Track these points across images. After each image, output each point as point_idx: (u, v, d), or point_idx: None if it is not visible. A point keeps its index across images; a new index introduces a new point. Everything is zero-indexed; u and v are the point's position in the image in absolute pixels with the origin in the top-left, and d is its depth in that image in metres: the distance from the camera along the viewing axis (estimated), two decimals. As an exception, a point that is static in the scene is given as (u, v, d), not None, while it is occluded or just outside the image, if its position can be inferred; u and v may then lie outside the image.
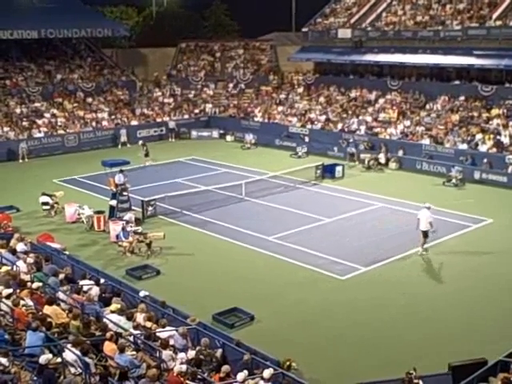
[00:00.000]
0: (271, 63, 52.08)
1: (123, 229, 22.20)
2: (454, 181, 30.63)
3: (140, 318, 14.41)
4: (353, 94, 42.64)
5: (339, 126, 39.33)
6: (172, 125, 43.42)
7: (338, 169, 32.28)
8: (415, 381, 11.48)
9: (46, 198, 25.95)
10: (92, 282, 16.45)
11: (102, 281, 16.71)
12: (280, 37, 58.14)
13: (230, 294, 18.27)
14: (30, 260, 17.63)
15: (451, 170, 31.08)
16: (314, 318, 16.95)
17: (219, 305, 17.08)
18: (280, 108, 44.20)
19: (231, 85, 49.86)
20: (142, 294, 16.13)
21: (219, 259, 21.28)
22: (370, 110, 40.11)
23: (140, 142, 36.88)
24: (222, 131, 43.84)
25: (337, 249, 21.80)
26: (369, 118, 39.01)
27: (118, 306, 14.68)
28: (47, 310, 14.02)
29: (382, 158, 34.12)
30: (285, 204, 27.27)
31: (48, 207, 25.76)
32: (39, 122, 40.26)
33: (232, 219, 25.15)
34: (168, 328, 13.85)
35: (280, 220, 25.28)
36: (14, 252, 18.36)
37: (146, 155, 35.40)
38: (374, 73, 43.77)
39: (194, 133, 44.02)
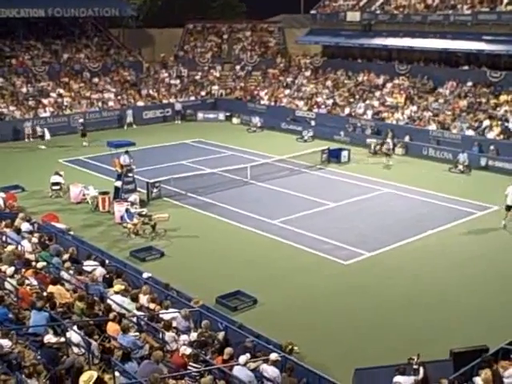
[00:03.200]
0: (279, 46, 51.82)
1: (128, 210, 22.23)
2: (460, 167, 30.54)
3: (143, 299, 14.50)
4: (360, 78, 42.42)
5: (346, 110, 39.19)
6: (178, 106, 43.36)
7: (344, 153, 32.23)
8: (415, 366, 11.51)
9: (58, 178, 25.97)
10: (96, 263, 16.54)
11: (107, 262, 16.80)
12: (288, 19, 57.76)
13: (234, 276, 18.33)
14: (35, 240, 17.74)
15: (458, 156, 30.98)
16: (318, 303, 17.00)
17: (223, 287, 17.14)
18: (287, 91, 44.04)
19: (238, 67, 49.68)
20: (145, 275, 16.20)
21: (223, 242, 21.34)
22: (378, 94, 39.91)
23: (80, 121, 36.88)
24: (228, 113, 43.76)
25: (341, 234, 21.79)
26: (376, 103, 38.85)
27: (122, 286, 14.76)
28: (51, 289, 14.11)
29: (388, 143, 33.98)
30: (290, 188, 27.26)
31: (58, 187, 25.79)
32: (45, 101, 40.21)
33: (237, 202, 25.18)
34: (171, 310, 13.92)
35: (285, 204, 25.28)
36: (18, 231, 18.49)
37: (83, 135, 35.52)
38: (382, 57, 43.50)
39: (200, 115, 43.95)
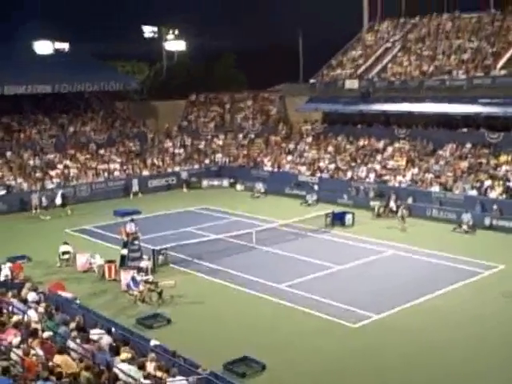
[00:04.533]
0: (280, 113, 52.57)
1: (134, 278, 22.07)
2: (464, 227, 30.41)
3: (151, 367, 14.16)
4: (361, 142, 42.84)
5: (348, 174, 39.41)
6: (185, 175, 43.73)
7: (348, 216, 32.20)
8: None
9: (66, 247, 25.98)
10: (103, 331, 16.24)
11: (113, 330, 16.51)
12: (288, 88, 58.76)
13: (241, 342, 18.01)
14: (41, 309, 17.49)
15: (462, 217, 30.91)
16: (327, 367, 16.60)
17: (230, 353, 16.78)
18: (289, 157, 44.42)
19: (241, 135, 50.31)
20: (152, 343, 15.89)
21: (230, 307, 21.07)
22: (379, 158, 40.22)
23: (60, 192, 37.02)
24: (232, 180, 44.08)
25: (348, 296, 21.51)
26: (378, 166, 39.09)
27: (129, 355, 14.43)
28: (58, 359, 13.80)
29: (392, 205, 33.99)
30: (295, 252, 27.12)
31: (67, 256, 25.73)
32: (52, 173, 40.60)
33: (243, 267, 24.99)
34: (179, 377, 13.57)
35: (291, 268, 25.09)
36: (25, 301, 18.27)
37: (64, 205, 35.78)
38: (381, 122, 44.04)
39: (204, 182, 44.28)
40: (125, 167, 43.51)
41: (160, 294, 21.56)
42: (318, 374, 16.25)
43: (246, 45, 68.17)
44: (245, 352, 16.86)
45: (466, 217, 30.74)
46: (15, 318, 16.38)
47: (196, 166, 45.91)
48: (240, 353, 16.82)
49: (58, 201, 36.20)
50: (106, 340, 15.65)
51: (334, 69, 48.40)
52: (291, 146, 46.23)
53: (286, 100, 53.57)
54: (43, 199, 36.85)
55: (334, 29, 58.08)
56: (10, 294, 18.64)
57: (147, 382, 13.38)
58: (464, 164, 36.08)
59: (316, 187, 39.01)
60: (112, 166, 43.31)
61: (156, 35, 73.94)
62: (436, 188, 34.90)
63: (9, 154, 41.88)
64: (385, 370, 16.34)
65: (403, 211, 31.54)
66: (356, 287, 22.70)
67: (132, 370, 13.72)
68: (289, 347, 17.84)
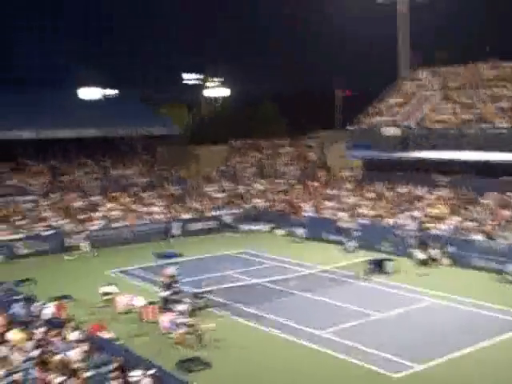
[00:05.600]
0: (319, 159, 52.68)
1: (174, 320, 22.04)
2: (509, 277, 29.62)
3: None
4: (401, 189, 42.47)
5: (389, 220, 38.94)
6: (228, 219, 43.88)
7: (389, 264, 31.67)
8: None
9: (109, 288, 26.24)
10: (143, 373, 16.14)
11: (152, 371, 16.37)
12: (327, 134, 59.12)
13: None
14: (83, 349, 17.54)
15: (506, 267, 30.15)
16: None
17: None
18: (329, 203, 44.21)
19: (280, 180, 50.42)
20: (192, 386, 15.73)
21: (269, 352, 20.81)
22: (420, 205, 39.74)
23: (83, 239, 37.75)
24: (272, 225, 44.02)
25: (389, 345, 21.02)
26: (419, 213, 38.57)
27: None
28: (99, 400, 13.77)
29: (434, 253, 33.39)
30: (335, 298, 26.74)
31: (109, 297, 25.89)
32: (95, 215, 41.19)
33: (282, 312, 24.71)
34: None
35: (330, 314, 24.75)
36: (67, 341, 18.35)
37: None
38: (421, 169, 43.65)
39: (244, 226, 44.27)
40: (165, 210, 43.89)
41: (200, 337, 21.40)
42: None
43: (286, 92, 69.05)
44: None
45: (511, 267, 29.97)
46: (57, 357, 16.48)
47: (235, 211, 46.05)
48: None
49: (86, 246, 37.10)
50: (146, 382, 15.56)
51: (372, 116, 48.42)
52: (331, 191, 46.11)
53: (324, 146, 53.74)
54: (80, 243, 37.55)
55: (371, 76, 58.54)
56: (53, 332, 18.79)
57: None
58: (507, 213, 35.38)
59: (356, 233, 38.62)
60: (153, 208, 43.74)
61: (199, 82, 75.46)
62: (479, 237, 34.21)
63: (54, 195, 42.77)
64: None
65: (442, 259, 31.01)
66: (397, 336, 22.20)
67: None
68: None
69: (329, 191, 46.26)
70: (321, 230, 40.50)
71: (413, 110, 46.18)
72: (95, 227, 39.84)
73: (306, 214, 43.64)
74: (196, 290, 25.98)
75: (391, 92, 50.23)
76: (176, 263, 26.11)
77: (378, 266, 31.41)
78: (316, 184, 48.31)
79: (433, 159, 41.74)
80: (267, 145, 55.84)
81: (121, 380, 15.51)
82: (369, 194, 43.36)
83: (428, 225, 36.96)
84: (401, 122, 45.32)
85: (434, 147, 41.36)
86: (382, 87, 50.86)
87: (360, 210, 41.32)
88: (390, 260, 32.11)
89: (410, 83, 50.15)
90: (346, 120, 52.84)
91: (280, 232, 42.84)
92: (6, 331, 18.46)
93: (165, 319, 22.76)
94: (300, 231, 40.71)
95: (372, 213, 40.48)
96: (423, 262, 33.07)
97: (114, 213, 41.99)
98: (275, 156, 54.41)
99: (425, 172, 43.09)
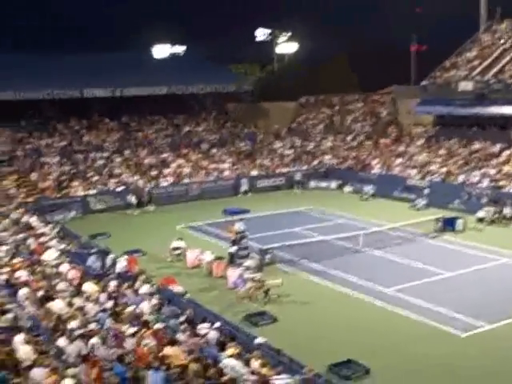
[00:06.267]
0: (390, 116, 51.61)
1: (241, 275, 22.41)
2: None
3: (255, 364, 14.30)
4: (475, 146, 41.19)
5: (460, 178, 37.97)
6: (298, 176, 43.85)
7: (459, 222, 31.03)
8: None
9: (179, 243, 26.81)
10: (210, 326, 16.56)
11: (219, 324, 16.78)
12: (399, 89, 57.61)
13: (346, 344, 17.84)
14: (154, 302, 18.12)
15: None
16: (432, 373, 16.12)
17: (335, 355, 16.67)
18: (399, 160, 43.44)
19: (350, 137, 49.82)
20: (258, 340, 16.03)
21: (335, 308, 20.93)
22: (494, 162, 38.48)
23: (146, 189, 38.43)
24: (340, 182, 43.75)
25: (458, 304, 20.71)
26: (492, 171, 37.40)
27: (236, 351, 14.64)
28: (168, 350, 14.25)
29: (507, 212, 32.44)
30: (403, 256, 26.47)
31: (179, 252, 26.53)
32: (166, 171, 42.01)
33: (349, 269, 24.70)
34: (283, 376, 13.61)
35: (399, 272, 24.55)
36: (138, 293, 18.99)
37: (149, 202, 37.42)
38: (497, 125, 42.12)
39: (312, 183, 44.22)
40: (235, 167, 44.26)
41: (266, 292, 21.71)
42: (423, 380, 15.79)
43: (358, 46, 67.34)
44: (349, 355, 16.68)
45: None
46: (129, 309, 17.10)
47: (304, 167, 45.93)
48: (344, 355, 16.67)
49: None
50: (214, 335, 15.96)
51: (448, 70, 46.82)
52: (401, 148, 45.24)
53: (397, 102, 52.51)
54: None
55: (449, 30, 56.26)
56: (125, 285, 19.48)
57: (252, 378, 13.53)
58: None
59: (426, 191, 37.85)
60: (222, 165, 44.18)
61: (268, 38, 74.62)
62: (555, 195, 32.96)
63: (127, 152, 43.83)
64: (494, 380, 15.64)
65: (495, 214, 30.21)
66: (467, 295, 21.85)
67: (238, 365, 13.92)
68: (394, 352, 17.50)
69: (399, 148, 45.41)
70: (390, 188, 39.90)
71: (490, 64, 44.37)
72: (165, 183, 40.64)
73: (375, 171, 43.10)
74: (263, 246, 26.24)
75: (468, 46, 48.37)
76: (244, 219, 26.34)
77: (448, 224, 30.81)
78: (387, 141, 47.48)
79: (510, 115, 40.18)
80: (337, 101, 55.09)
81: (189, 332, 15.94)
82: (440, 151, 42.29)
83: (501, 183, 35.83)
84: (477, 76, 43.69)
85: (511, 102, 39.77)
86: (459, 41, 49.05)
87: (431, 168, 40.43)
88: (460, 218, 31.42)
89: (488, 36, 48.13)
90: (420, 75, 51.41)
91: (348, 189, 42.55)
92: (81, 283, 19.24)
93: (232, 274, 23.16)
94: (368, 188, 40.30)
95: (443, 170, 39.53)
96: (494, 221, 32.21)
97: (183, 169, 42.66)
98: (345, 112, 53.67)
99: (500, 128, 41.61)
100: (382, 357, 17.09)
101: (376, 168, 43.53)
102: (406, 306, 20.77)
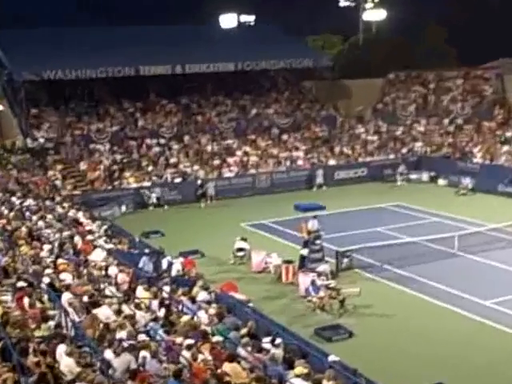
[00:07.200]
0: (496, 94, 50.40)
1: (314, 282, 22.50)
2: None
3: (327, 385, 14.37)
4: None
5: None
6: (402, 168, 43.64)
7: None
8: None
9: (243, 244, 27.20)
10: (272, 341, 16.72)
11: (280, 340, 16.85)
12: (507, 64, 56.16)
13: (434, 364, 17.72)
14: (212, 311, 18.43)
15: None
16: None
17: (421, 377, 16.61)
18: (505, 147, 42.49)
19: (446, 120, 49.04)
20: (331, 358, 16.09)
21: (422, 323, 20.76)
22: None
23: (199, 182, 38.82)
24: (433, 174, 43.24)
25: None
26: None
27: (305, 370, 14.75)
28: (226, 367, 14.50)
29: None
30: (507, 262, 25.92)
31: (243, 254, 26.92)
32: (230, 160, 42.49)
33: (441, 277, 24.43)
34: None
35: (500, 281, 24.10)
36: (195, 301, 19.36)
37: (203, 195, 37.85)
38: None
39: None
40: (309, 155, 44.30)
41: (342, 302, 21.75)
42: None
43: (458, 13, 65.91)
44: (439, 377, 16.52)
45: None
46: (185, 318, 17.45)
47: (391, 156, 45.49)
48: (433, 378, 16.50)
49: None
50: (280, 350, 16.12)
51: None
52: (508, 134, 44.20)
53: (504, 78, 51.21)
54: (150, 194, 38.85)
55: None
56: (180, 291, 19.89)
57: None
58: None
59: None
60: (295, 153, 44.32)
61: (353, 4, 73.95)
62: None
63: (186, 138, 44.52)
64: None
65: None
66: None
67: (306, 386, 14.04)
68: (489, 375, 17.24)
69: (507, 133, 44.39)
70: (493, 181, 39.17)
71: None
72: (229, 174, 41.10)
73: (477, 161, 42.31)
74: (340, 249, 26.25)
75: None
76: (318, 216, 26.39)
77: None
78: (491, 124, 46.49)
79: None
80: (433, 77, 54.23)
81: (251, 347, 16.16)
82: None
83: None
84: None
85: None
86: None
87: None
88: None
89: None
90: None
91: (443, 182, 42.11)
92: (131, 288, 19.77)
93: (304, 280, 23.28)
94: (468, 181, 39.71)
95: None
96: None
97: (250, 158, 43.02)
98: (442, 91, 52.76)
99: None
100: (476, 380, 16.95)
101: (477, 157, 42.76)
102: (506, 321, 20.42)
